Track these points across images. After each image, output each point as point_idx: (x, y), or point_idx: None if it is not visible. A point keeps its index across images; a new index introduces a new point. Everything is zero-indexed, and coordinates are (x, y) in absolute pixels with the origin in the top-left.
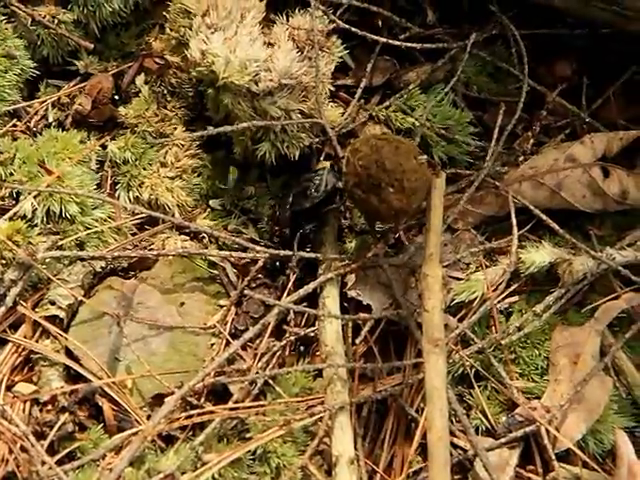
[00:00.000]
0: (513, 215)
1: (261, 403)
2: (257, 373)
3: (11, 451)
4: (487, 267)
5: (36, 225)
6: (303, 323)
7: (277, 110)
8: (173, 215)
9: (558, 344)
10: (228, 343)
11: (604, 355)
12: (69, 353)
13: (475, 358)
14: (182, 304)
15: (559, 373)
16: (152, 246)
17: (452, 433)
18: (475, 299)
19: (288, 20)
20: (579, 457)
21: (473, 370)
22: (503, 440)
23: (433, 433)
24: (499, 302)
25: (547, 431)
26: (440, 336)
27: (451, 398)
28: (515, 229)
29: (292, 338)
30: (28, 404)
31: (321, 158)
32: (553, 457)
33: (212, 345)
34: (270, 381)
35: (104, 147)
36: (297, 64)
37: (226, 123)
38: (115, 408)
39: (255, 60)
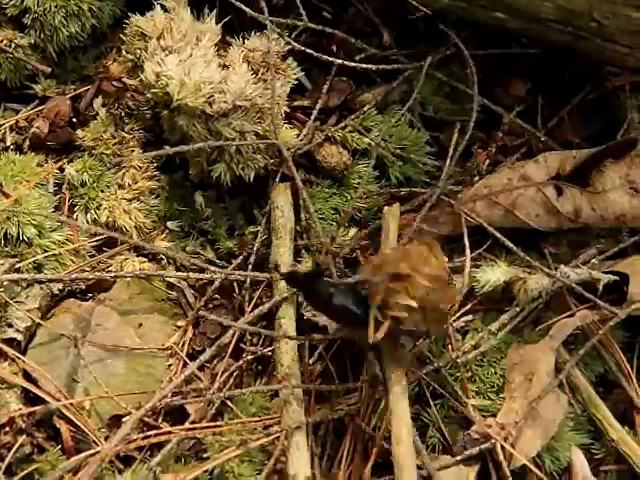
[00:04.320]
0: (465, 234)
1: (218, 423)
2: (214, 393)
3: None
4: None
5: None
6: (260, 343)
7: (232, 131)
8: (131, 237)
9: (513, 362)
10: (185, 364)
11: (559, 372)
12: (27, 375)
13: (432, 377)
14: (140, 325)
15: (514, 390)
16: (110, 268)
17: None
18: None
19: (244, 42)
20: (535, 474)
21: (430, 388)
22: (459, 458)
23: (399, 456)
24: (455, 321)
25: (502, 448)
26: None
27: None
28: (468, 249)
29: (249, 358)
30: None
31: (277, 179)
32: (508, 474)
33: (170, 366)
34: (227, 401)
35: (62, 170)
36: (252, 86)
37: (182, 144)
38: (73, 430)
39: (209, 82)
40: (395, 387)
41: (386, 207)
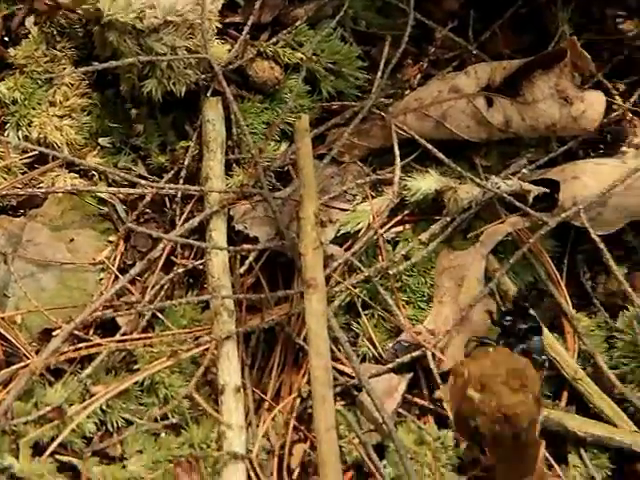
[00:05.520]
0: (396, 145)
1: (149, 335)
2: (145, 306)
3: None
4: (373, 198)
5: None
6: (192, 256)
7: (163, 47)
8: (63, 153)
9: (443, 267)
10: (116, 278)
11: (489, 280)
12: None
13: (362, 287)
14: (71, 240)
15: (443, 295)
16: (41, 184)
17: (338, 361)
18: (361, 229)
19: None
20: None
21: (360, 299)
22: (390, 366)
23: (313, 369)
24: (385, 232)
25: (432, 354)
26: (313, 275)
27: (334, 327)
28: (398, 158)
29: (180, 271)
30: None
31: (208, 94)
32: (439, 380)
33: (101, 280)
34: (158, 314)
35: None
36: (182, 1)
37: (114, 61)
38: (4, 344)
39: None
40: (311, 301)
41: (296, 121)
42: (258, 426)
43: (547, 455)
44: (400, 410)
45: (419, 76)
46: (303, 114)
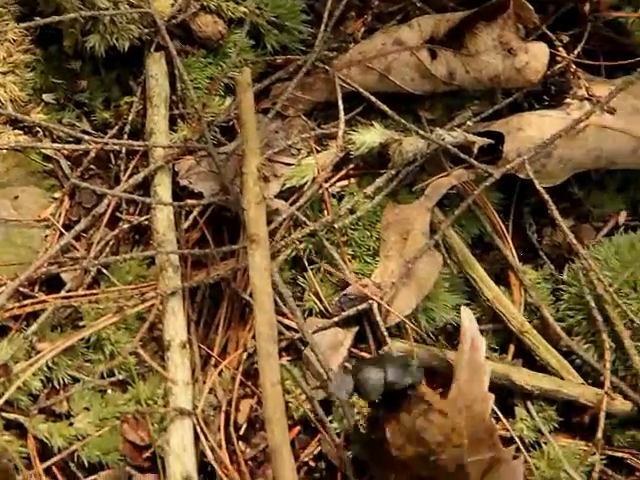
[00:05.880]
0: (340, 98)
1: (94, 291)
2: (90, 262)
3: None
4: (318, 152)
5: None
6: (137, 212)
7: (105, 1)
8: (6, 110)
9: (388, 221)
10: (62, 234)
11: (435, 233)
12: None
13: (308, 242)
14: (16, 198)
15: (389, 249)
16: None
17: (284, 315)
18: (306, 183)
19: None
20: (411, 332)
21: (306, 254)
22: (336, 320)
23: (258, 324)
24: (331, 186)
25: (379, 307)
26: (256, 231)
27: (279, 282)
28: (342, 112)
29: (125, 227)
30: None
31: (152, 49)
32: (385, 333)
33: (46, 237)
34: (103, 270)
35: None
36: None
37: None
38: None
39: None
40: (254, 256)
41: (238, 75)
42: (204, 382)
43: (494, 408)
44: (347, 364)
45: (363, 29)
46: (245, 68)
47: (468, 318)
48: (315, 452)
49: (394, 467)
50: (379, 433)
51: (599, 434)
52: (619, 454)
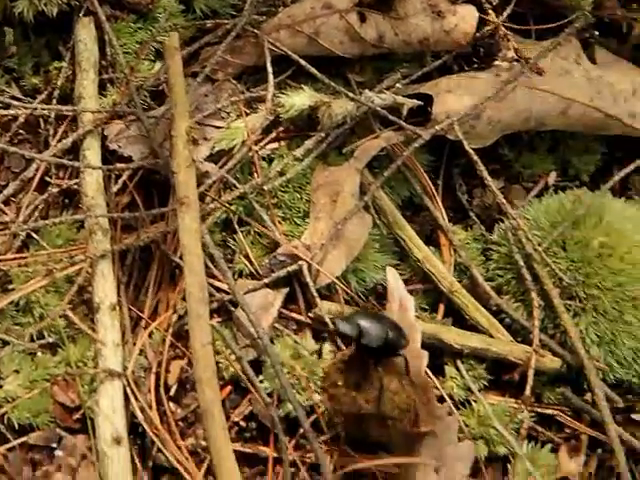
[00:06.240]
0: (269, 62)
1: (23, 255)
2: (19, 226)
3: None
4: (247, 115)
5: None
6: (67, 176)
7: None
8: None
9: (318, 183)
10: None
11: (365, 194)
12: None
13: (238, 204)
14: None
15: (319, 211)
16: None
17: (215, 277)
18: (236, 146)
19: None
20: (341, 293)
21: (236, 216)
22: (267, 281)
23: (188, 286)
24: (261, 148)
25: (309, 269)
26: (186, 194)
27: (209, 244)
28: (271, 75)
29: (55, 191)
30: None
31: (81, 14)
32: (315, 294)
33: None
34: (33, 234)
35: None
36: None
37: None
38: None
39: None
40: (184, 219)
41: (165, 40)
42: (135, 344)
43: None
44: (277, 325)
45: None
46: (173, 32)
47: (394, 278)
48: (246, 412)
49: (348, 417)
50: (351, 380)
51: (528, 391)
52: (549, 411)
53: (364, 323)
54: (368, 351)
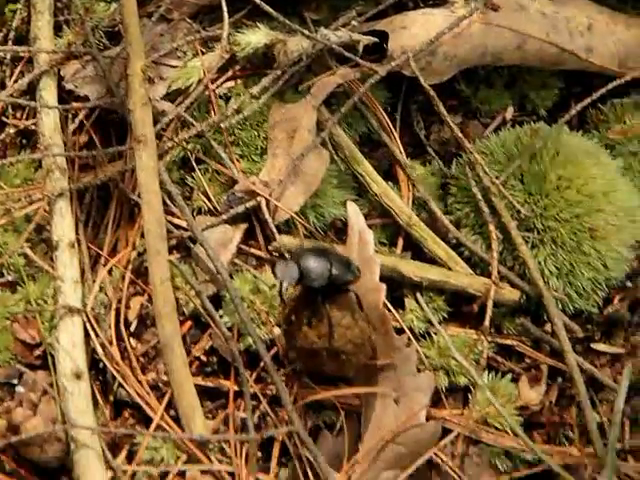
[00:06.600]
0: (224, 0)
1: None
2: None
3: None
4: (204, 54)
5: None
6: (24, 117)
7: None
8: None
9: (275, 120)
10: None
11: (322, 131)
12: None
13: (195, 142)
14: None
15: (276, 148)
16: None
17: (174, 215)
18: (192, 85)
19: None
20: (300, 228)
21: (194, 154)
22: (225, 217)
23: (146, 222)
24: (217, 87)
25: (267, 204)
26: (143, 132)
27: (166, 181)
28: (226, 14)
29: (12, 131)
30: None
31: None
32: (274, 229)
33: None
34: None
35: None
36: None
37: None
38: None
39: None
40: (141, 157)
41: None
42: (94, 281)
43: (384, 300)
44: (236, 261)
45: None
46: None
47: (354, 212)
48: (206, 347)
49: (302, 352)
50: (303, 316)
51: (487, 322)
52: (508, 341)
53: (305, 263)
54: (313, 290)
